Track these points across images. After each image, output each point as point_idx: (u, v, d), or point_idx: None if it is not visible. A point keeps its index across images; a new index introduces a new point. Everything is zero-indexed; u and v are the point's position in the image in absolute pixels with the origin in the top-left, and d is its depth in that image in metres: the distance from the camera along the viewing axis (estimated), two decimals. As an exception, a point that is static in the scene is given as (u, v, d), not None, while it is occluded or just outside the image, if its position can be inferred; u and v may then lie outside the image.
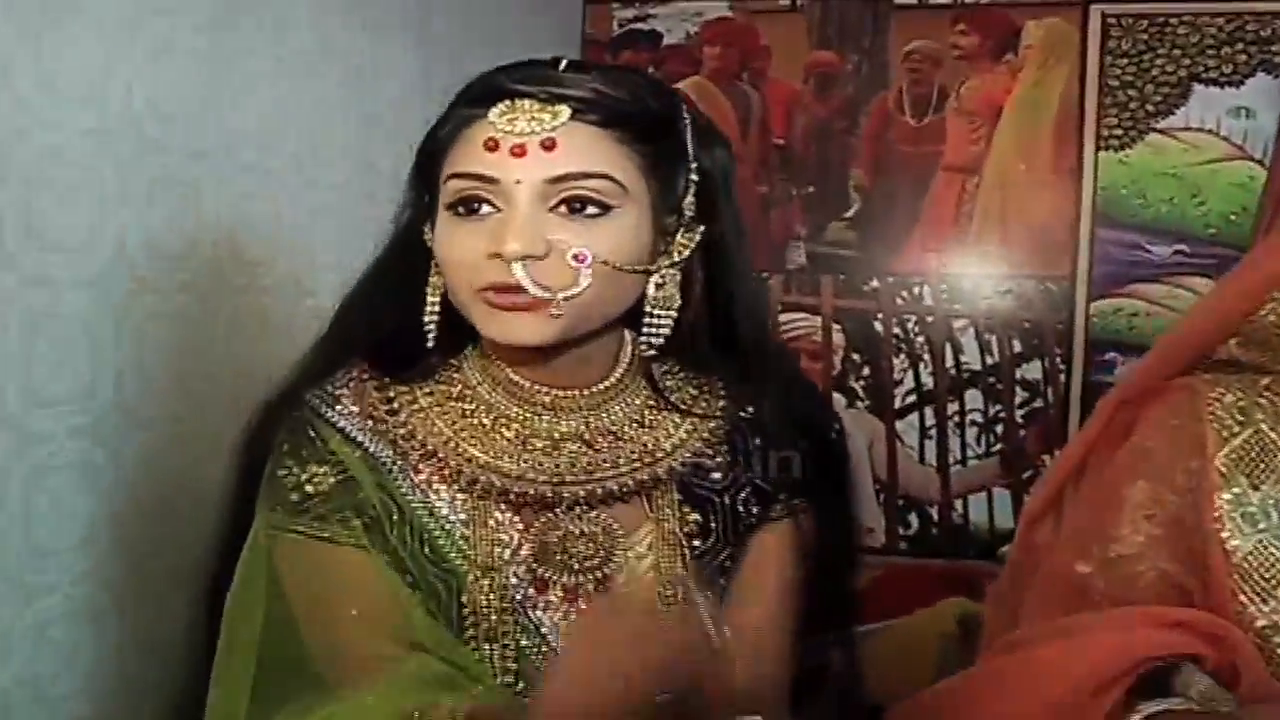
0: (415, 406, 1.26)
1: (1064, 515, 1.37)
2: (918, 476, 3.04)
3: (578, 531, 1.24)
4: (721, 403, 1.33)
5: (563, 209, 1.15)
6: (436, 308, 1.24)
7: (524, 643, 1.24)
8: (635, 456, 1.27)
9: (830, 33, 3.03)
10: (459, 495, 1.24)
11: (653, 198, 1.20)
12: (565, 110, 1.14)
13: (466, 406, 1.27)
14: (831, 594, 1.39)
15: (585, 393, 1.27)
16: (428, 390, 1.28)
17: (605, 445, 1.26)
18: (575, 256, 1.14)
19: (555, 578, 1.24)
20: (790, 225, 3.07)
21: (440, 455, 1.23)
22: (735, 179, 1.29)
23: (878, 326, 3.04)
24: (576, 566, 1.24)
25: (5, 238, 1.40)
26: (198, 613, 1.32)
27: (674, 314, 1.24)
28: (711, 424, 1.31)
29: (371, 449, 1.24)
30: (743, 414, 1.33)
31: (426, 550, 1.22)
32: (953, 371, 3.01)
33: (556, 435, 1.26)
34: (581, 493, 1.24)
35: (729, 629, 1.29)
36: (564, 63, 1.19)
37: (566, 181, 1.14)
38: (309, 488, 1.22)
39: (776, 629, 1.30)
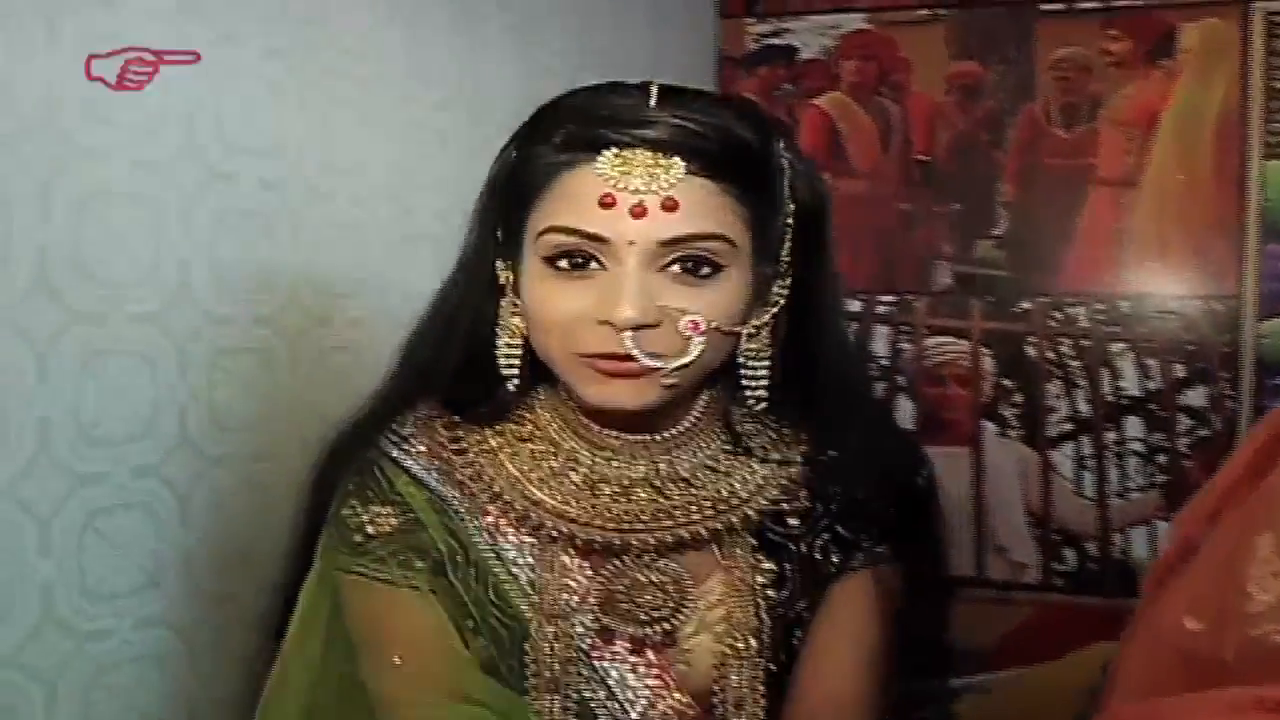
0: (484, 447, 1.23)
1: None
2: (1074, 509, 2.85)
3: (645, 580, 1.19)
4: (802, 447, 1.27)
5: (674, 269, 1.09)
6: (517, 352, 1.19)
7: (588, 695, 1.20)
8: (709, 504, 1.21)
9: (972, 42, 2.87)
10: (526, 539, 1.21)
11: (754, 247, 1.14)
12: (680, 164, 1.08)
13: (536, 448, 1.23)
14: (921, 647, 1.32)
15: (657, 438, 1.22)
16: (498, 430, 1.24)
17: (676, 492, 1.21)
18: (689, 325, 1.09)
19: (622, 628, 1.20)
20: (935, 244, 2.92)
21: (507, 498, 1.20)
22: (830, 216, 1.23)
23: (1030, 350, 2.86)
24: (644, 617, 1.19)
25: (50, 273, 1.36)
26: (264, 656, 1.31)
27: (769, 362, 1.19)
28: (791, 469, 1.25)
29: (438, 490, 1.22)
30: (823, 458, 1.27)
31: (492, 594, 1.19)
32: (1111, 398, 2.81)
33: (626, 481, 1.21)
34: (651, 540, 1.19)
35: (805, 678, 1.24)
36: (655, 91, 1.12)
37: (682, 243, 1.09)
38: (370, 529, 1.20)
39: (857, 684, 1.25)
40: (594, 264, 1.10)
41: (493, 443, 1.23)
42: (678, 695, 1.21)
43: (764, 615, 1.22)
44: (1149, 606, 1.27)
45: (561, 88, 1.19)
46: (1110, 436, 2.82)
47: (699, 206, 1.09)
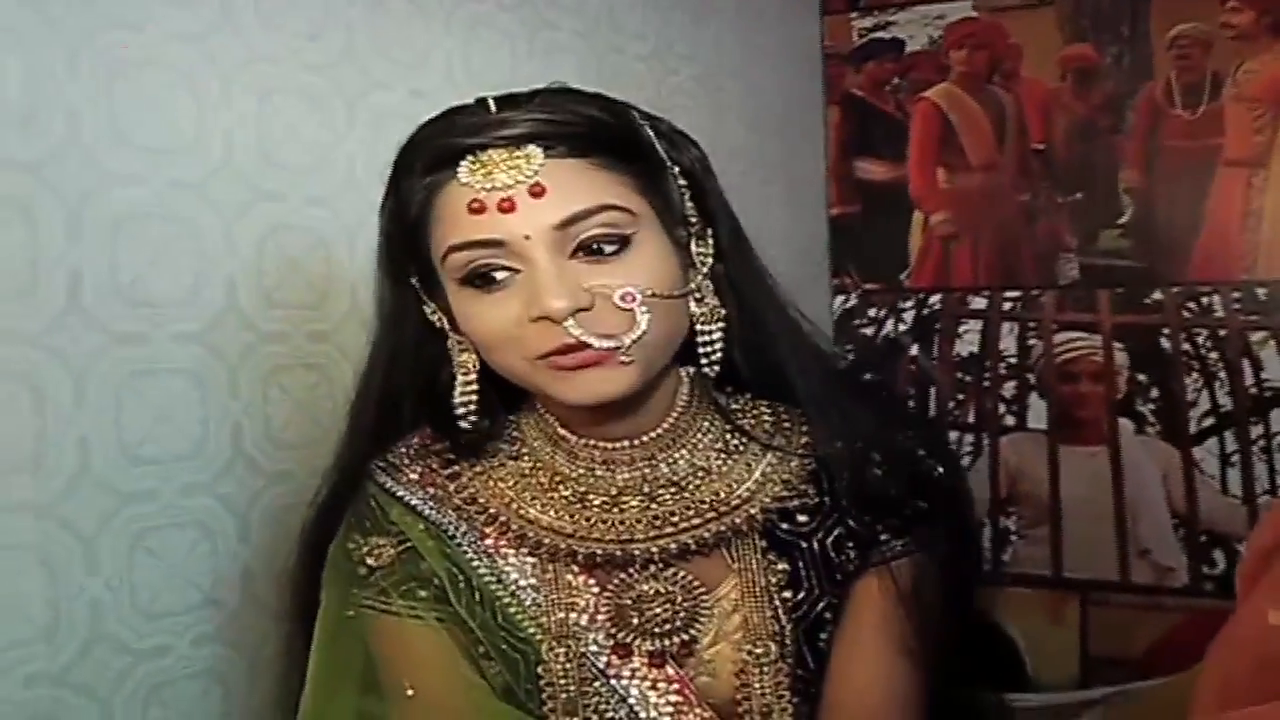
0: (477, 469, 1.21)
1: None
2: (1221, 509, 2.68)
3: (653, 591, 1.15)
4: (804, 438, 1.21)
5: (582, 254, 1.06)
6: (471, 388, 1.16)
7: (609, 715, 1.16)
8: (707, 506, 1.16)
9: (1084, 23, 2.75)
10: (528, 559, 1.18)
11: (658, 215, 1.11)
12: (536, 150, 1.05)
13: (524, 465, 1.21)
14: (954, 648, 1.23)
15: (637, 442, 1.18)
16: (490, 451, 1.22)
17: (669, 497, 1.17)
18: (623, 297, 1.05)
19: (637, 643, 1.15)
20: (1059, 236, 2.80)
21: (503, 518, 1.17)
22: (713, 174, 1.19)
23: (1164, 343, 2.71)
24: (657, 630, 1.15)
25: (83, 296, 1.38)
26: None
27: (723, 326, 1.15)
28: (793, 462, 1.19)
29: (434, 518, 1.19)
30: (828, 449, 1.20)
31: (499, 619, 1.16)
32: (1254, 390, 2.64)
33: (614, 490, 1.17)
34: (653, 549, 1.15)
35: (833, 685, 1.18)
36: (492, 101, 1.10)
37: (575, 224, 1.05)
38: (370, 560, 1.18)
39: (889, 683, 1.19)
40: (504, 271, 1.07)
41: (485, 464, 1.21)
42: (700, 710, 1.16)
43: (782, 618, 1.16)
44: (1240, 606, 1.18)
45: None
46: (1256, 431, 2.64)
47: (572, 184, 1.05)
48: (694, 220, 1.15)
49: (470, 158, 1.06)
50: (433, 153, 1.09)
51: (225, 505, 1.54)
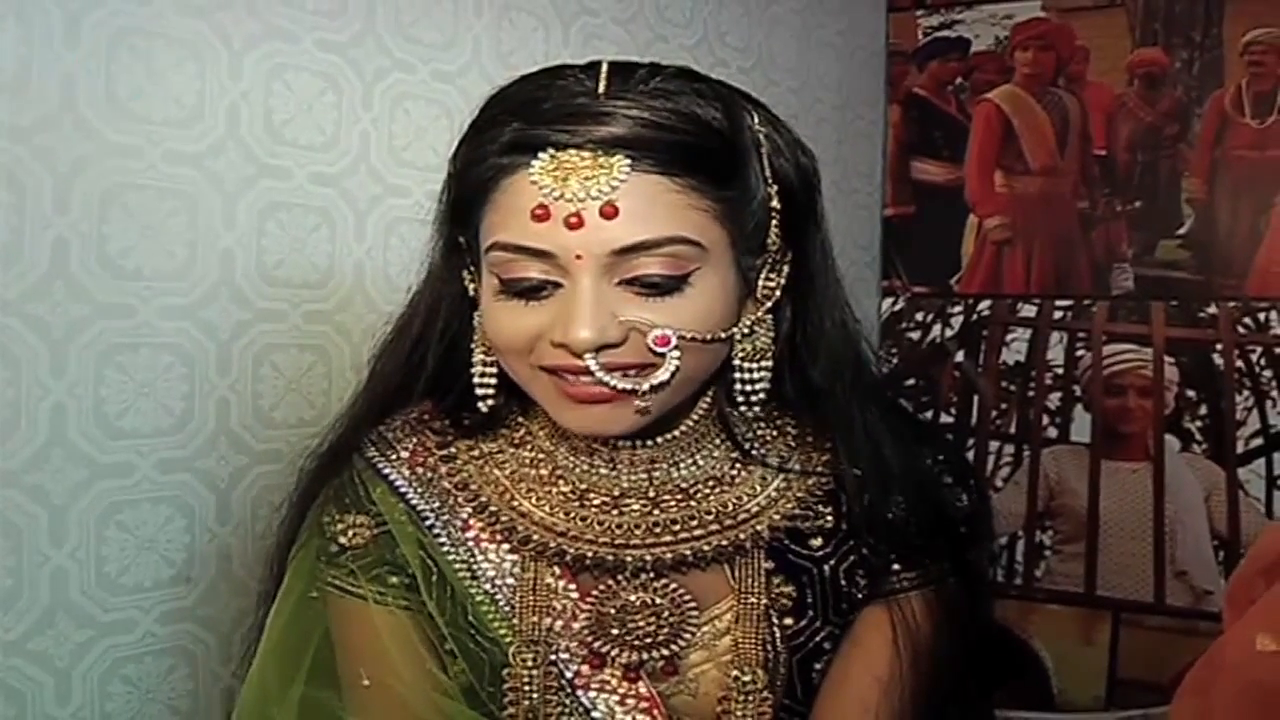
0: (474, 453, 1.15)
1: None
2: (1265, 533, 2.61)
3: (639, 602, 1.09)
4: (826, 456, 1.14)
5: (633, 285, 0.98)
6: (492, 370, 1.09)
7: None
8: (712, 518, 1.10)
9: (1156, 27, 2.67)
10: (509, 557, 1.12)
11: (731, 241, 1.02)
12: (622, 162, 0.96)
13: (526, 455, 1.14)
14: (955, 681, 1.18)
15: (648, 444, 1.11)
16: (491, 435, 1.16)
17: (674, 505, 1.10)
18: (656, 340, 0.97)
19: (613, 654, 1.09)
20: (1115, 245, 2.73)
21: (493, 508, 1.11)
22: (819, 189, 1.10)
23: (1217, 359, 2.64)
24: (636, 643, 1.09)
25: (68, 265, 1.38)
26: None
27: (769, 365, 1.07)
28: (810, 481, 1.13)
29: (416, 502, 1.13)
30: (851, 470, 1.12)
31: (468, 616, 1.11)
32: (1306, 411, 2.56)
33: (616, 491, 1.11)
34: (647, 558, 1.08)
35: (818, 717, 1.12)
36: (604, 73, 0.99)
37: (637, 252, 0.96)
38: (343, 539, 1.13)
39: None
40: (547, 288, 0.99)
41: (484, 448, 1.15)
42: None
43: (778, 645, 1.11)
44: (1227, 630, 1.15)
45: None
46: (1306, 453, 2.56)
47: (649, 208, 0.96)
48: (774, 247, 1.06)
49: (550, 153, 0.96)
50: (519, 128, 0.98)
51: (205, 482, 1.54)
